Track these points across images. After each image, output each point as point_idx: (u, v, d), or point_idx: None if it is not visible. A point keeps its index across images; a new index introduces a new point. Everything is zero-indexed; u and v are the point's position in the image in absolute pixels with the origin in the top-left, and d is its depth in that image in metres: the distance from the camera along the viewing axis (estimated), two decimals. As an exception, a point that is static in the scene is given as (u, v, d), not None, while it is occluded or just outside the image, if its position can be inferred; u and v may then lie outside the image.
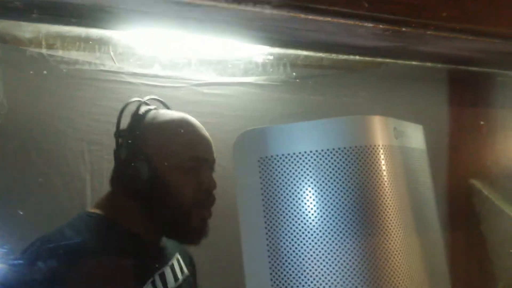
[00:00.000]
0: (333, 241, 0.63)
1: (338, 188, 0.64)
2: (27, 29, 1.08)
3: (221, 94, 1.45)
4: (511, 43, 1.07)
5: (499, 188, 1.68)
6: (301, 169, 0.65)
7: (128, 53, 1.27)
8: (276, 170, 0.66)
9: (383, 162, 0.65)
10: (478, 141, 1.70)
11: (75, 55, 1.19)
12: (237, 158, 0.69)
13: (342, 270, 0.62)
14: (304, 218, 0.64)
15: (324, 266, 0.63)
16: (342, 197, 0.63)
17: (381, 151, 0.66)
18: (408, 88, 1.54)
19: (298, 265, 0.64)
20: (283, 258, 0.65)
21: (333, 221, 0.63)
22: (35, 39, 1.13)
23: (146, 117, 1.01)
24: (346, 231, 0.63)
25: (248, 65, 1.42)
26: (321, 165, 0.64)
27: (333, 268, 0.62)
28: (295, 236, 0.64)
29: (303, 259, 0.64)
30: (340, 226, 0.63)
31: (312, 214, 0.64)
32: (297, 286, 0.63)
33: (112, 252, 0.94)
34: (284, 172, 0.66)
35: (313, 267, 0.63)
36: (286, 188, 0.65)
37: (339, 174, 0.64)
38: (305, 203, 0.64)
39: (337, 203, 0.63)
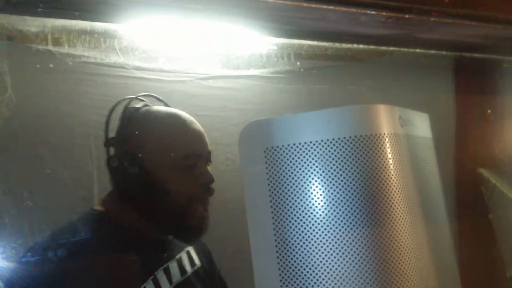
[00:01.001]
0: (340, 231, 0.63)
1: (344, 178, 0.64)
2: (33, 24, 1.08)
3: (226, 87, 1.45)
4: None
5: (507, 177, 1.67)
6: (307, 159, 0.65)
7: (133, 46, 1.27)
8: (282, 160, 0.66)
9: (389, 150, 0.65)
10: (485, 129, 1.69)
11: (81, 49, 1.20)
12: (243, 150, 0.69)
13: (350, 260, 0.62)
14: (311, 208, 0.64)
15: (331, 255, 0.63)
16: (348, 186, 0.63)
17: (387, 139, 0.66)
18: (413, 76, 1.53)
19: (305, 255, 0.64)
20: (290, 248, 0.65)
21: (340, 210, 0.63)
22: (41, 33, 1.14)
23: (137, 116, 1.00)
24: (353, 221, 0.63)
25: (252, 57, 1.42)
26: (326, 154, 0.64)
27: (340, 257, 0.63)
28: (302, 226, 0.64)
29: (310, 248, 0.64)
30: (346, 215, 0.63)
31: (319, 204, 0.64)
32: (305, 276, 0.64)
33: (114, 249, 0.94)
34: (290, 162, 0.66)
35: (320, 256, 0.63)
36: (293, 178, 0.65)
37: (345, 163, 0.64)
38: (312, 193, 0.64)
39: (343, 192, 0.63)
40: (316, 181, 0.64)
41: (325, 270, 0.63)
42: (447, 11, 0.94)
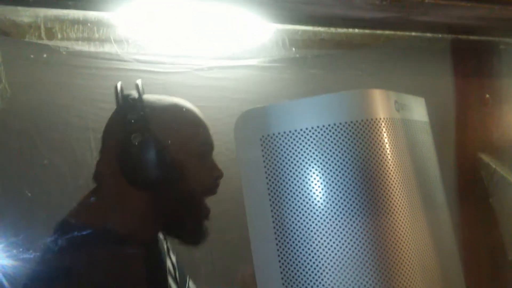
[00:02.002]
0: (337, 218, 0.63)
1: (340, 164, 0.64)
2: (25, 14, 1.07)
3: (223, 77, 1.45)
4: (511, 9, 1.05)
5: (507, 161, 1.67)
6: (303, 146, 0.65)
7: (127, 36, 1.26)
8: (278, 148, 0.66)
9: (385, 135, 0.65)
10: (484, 113, 1.68)
11: (74, 39, 1.19)
12: (239, 138, 0.69)
13: (348, 246, 0.62)
14: (308, 195, 0.64)
15: (330, 242, 0.63)
16: (345, 172, 0.63)
17: (383, 124, 0.66)
18: (410, 61, 1.52)
19: (304, 242, 0.64)
20: (289, 235, 0.65)
21: (337, 196, 0.63)
22: (33, 23, 1.13)
23: (143, 105, 0.96)
24: (350, 207, 0.63)
25: (247, 46, 1.42)
26: (322, 141, 0.64)
27: (339, 244, 0.63)
28: (300, 213, 0.65)
29: (308, 235, 0.64)
30: (344, 202, 0.63)
31: (316, 190, 0.64)
32: (304, 262, 0.64)
33: (119, 272, 0.90)
34: (286, 149, 0.66)
35: (318, 243, 0.63)
36: (290, 166, 0.65)
37: (341, 149, 0.64)
38: (309, 180, 0.64)
39: (340, 178, 0.63)
40: (313, 168, 0.64)
41: (324, 257, 0.63)
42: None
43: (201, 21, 1.24)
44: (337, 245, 0.63)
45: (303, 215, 0.64)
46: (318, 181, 0.64)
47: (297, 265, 0.64)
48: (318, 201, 0.64)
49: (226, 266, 1.27)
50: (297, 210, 0.65)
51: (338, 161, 0.64)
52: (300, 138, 0.65)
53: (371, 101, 0.66)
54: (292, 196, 0.65)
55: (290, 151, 0.65)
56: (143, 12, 1.00)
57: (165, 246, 1.04)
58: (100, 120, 1.27)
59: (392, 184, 0.64)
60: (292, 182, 0.65)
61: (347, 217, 0.63)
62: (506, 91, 1.70)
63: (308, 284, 0.63)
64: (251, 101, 1.42)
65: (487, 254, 1.65)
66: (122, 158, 0.94)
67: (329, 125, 0.64)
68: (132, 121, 0.93)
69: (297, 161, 0.65)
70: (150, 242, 0.99)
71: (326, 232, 0.63)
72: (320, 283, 0.63)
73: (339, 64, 1.50)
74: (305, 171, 0.65)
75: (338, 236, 0.63)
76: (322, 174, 0.64)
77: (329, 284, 0.62)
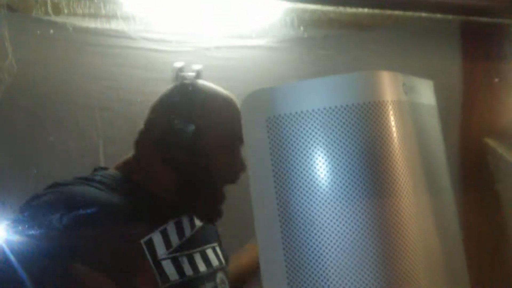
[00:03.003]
0: (342, 200, 0.63)
1: (346, 146, 0.63)
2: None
3: (231, 57, 1.44)
4: None
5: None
6: (309, 128, 0.64)
7: (134, 14, 1.26)
8: (284, 129, 0.66)
9: (392, 118, 0.65)
10: (492, 97, 1.67)
11: (81, 16, 1.18)
12: (245, 119, 0.69)
13: (352, 230, 0.62)
14: (313, 177, 0.64)
15: (334, 225, 0.63)
16: (351, 154, 0.63)
17: (390, 106, 0.65)
18: (419, 43, 1.51)
19: (308, 225, 0.64)
20: (293, 218, 0.65)
21: (342, 179, 0.63)
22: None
23: (194, 87, 1.01)
24: (355, 190, 0.63)
25: (256, 25, 1.40)
26: (329, 122, 0.64)
27: (343, 227, 0.63)
28: (305, 195, 0.64)
29: (313, 217, 0.64)
30: (349, 184, 0.63)
31: (322, 172, 0.64)
32: (308, 245, 0.64)
33: (122, 199, 0.94)
34: (292, 131, 0.65)
35: (322, 225, 0.63)
36: (295, 147, 0.65)
37: (348, 131, 0.63)
38: (314, 162, 0.64)
39: (346, 160, 0.63)
40: (318, 149, 0.64)
41: (327, 239, 0.63)
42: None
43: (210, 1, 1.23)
44: (341, 227, 0.63)
45: (307, 197, 0.64)
46: (323, 163, 0.64)
47: (300, 246, 0.64)
48: (323, 183, 0.64)
49: (230, 244, 1.28)
50: (302, 192, 0.65)
51: (344, 143, 0.63)
52: (306, 120, 0.65)
53: (379, 83, 0.66)
54: (297, 178, 0.65)
55: (296, 133, 0.65)
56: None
57: None
58: (106, 98, 1.27)
59: (397, 168, 0.64)
60: (297, 163, 0.65)
61: (352, 200, 0.63)
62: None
63: (312, 266, 0.63)
64: (258, 82, 1.41)
65: (491, 240, 1.65)
66: (160, 137, 0.99)
67: (336, 107, 0.64)
68: (180, 105, 0.99)
69: (303, 143, 0.65)
70: (163, 199, 1.02)
71: (330, 214, 0.63)
72: (323, 265, 0.63)
73: (347, 45, 1.49)
74: (310, 153, 0.64)
75: (343, 218, 0.63)
76: (328, 156, 0.64)
77: (332, 267, 0.63)
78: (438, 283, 0.68)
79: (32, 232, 0.86)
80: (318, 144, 0.64)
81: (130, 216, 0.94)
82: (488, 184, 1.67)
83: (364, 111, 0.64)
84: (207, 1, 1.24)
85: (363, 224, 0.62)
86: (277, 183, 0.66)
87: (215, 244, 1.10)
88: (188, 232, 1.03)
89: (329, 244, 0.63)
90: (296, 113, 0.65)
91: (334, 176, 0.63)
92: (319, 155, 0.64)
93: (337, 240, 0.63)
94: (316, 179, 0.64)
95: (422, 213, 0.66)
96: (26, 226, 0.86)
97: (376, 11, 1.15)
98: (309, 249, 0.64)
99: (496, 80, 1.66)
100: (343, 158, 0.63)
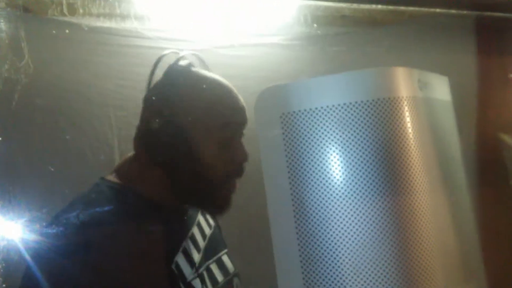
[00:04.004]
0: (357, 197, 0.63)
1: (361, 142, 0.63)
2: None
3: (243, 55, 1.44)
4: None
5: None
6: (324, 124, 0.64)
7: (148, 13, 1.26)
8: (298, 126, 0.66)
9: (407, 114, 0.64)
10: (507, 93, 1.65)
11: (96, 15, 1.19)
12: (259, 116, 0.69)
13: (367, 227, 0.62)
14: (328, 173, 0.64)
15: (349, 222, 0.63)
16: (366, 151, 0.63)
17: (405, 102, 0.65)
18: (433, 38, 1.50)
19: (323, 222, 0.64)
20: (308, 214, 0.65)
21: (357, 175, 0.63)
22: None
23: (180, 77, 0.94)
24: (370, 186, 0.62)
25: (269, 24, 1.40)
26: (343, 119, 0.64)
27: (358, 224, 0.62)
28: (319, 191, 0.64)
29: (328, 214, 0.64)
30: (364, 181, 0.63)
31: (336, 169, 0.64)
32: (322, 241, 0.64)
33: (139, 223, 0.90)
34: (307, 127, 0.65)
35: (337, 222, 0.63)
36: (309, 144, 0.65)
37: (362, 127, 0.63)
38: (329, 158, 0.64)
39: (360, 156, 0.63)
40: (333, 146, 0.64)
41: (342, 236, 0.63)
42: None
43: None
44: (356, 224, 0.63)
45: (322, 193, 0.64)
46: (338, 159, 0.64)
47: (315, 243, 0.64)
48: (338, 180, 0.64)
49: (243, 244, 1.28)
50: (316, 188, 0.65)
51: (359, 139, 0.63)
52: (320, 116, 0.65)
53: (394, 79, 0.65)
54: (311, 175, 0.65)
55: (311, 129, 0.65)
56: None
57: (198, 218, 1.04)
58: (120, 97, 1.28)
59: (413, 164, 0.64)
60: (312, 160, 0.65)
61: (366, 196, 0.63)
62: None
63: (326, 262, 0.63)
64: (272, 80, 1.41)
65: (506, 237, 1.63)
66: (144, 137, 0.94)
67: (350, 103, 0.64)
68: (156, 99, 0.93)
69: (317, 139, 0.65)
70: (174, 210, 0.98)
71: (345, 211, 0.63)
72: (338, 261, 0.63)
73: (361, 42, 1.48)
74: (325, 150, 0.64)
75: (358, 215, 0.63)
76: (343, 153, 0.64)
77: (347, 263, 0.62)
78: (454, 279, 0.68)
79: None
80: (332, 140, 0.64)
81: (150, 243, 0.89)
82: (504, 180, 1.65)
83: (379, 107, 0.63)
84: (220, 0, 1.24)
85: (379, 221, 0.62)
86: (292, 180, 0.66)
87: (226, 250, 1.07)
88: (202, 244, 0.99)
89: (344, 241, 0.63)
90: (311, 109, 0.65)
91: (349, 173, 0.63)
92: (333, 152, 0.64)
93: (352, 238, 0.63)
94: (331, 175, 0.64)
95: (438, 210, 0.66)
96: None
97: (390, 7, 1.14)
98: (324, 246, 0.64)
99: (511, 75, 1.64)
100: (358, 155, 0.63)
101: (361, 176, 0.63)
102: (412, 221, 0.62)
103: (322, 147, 0.65)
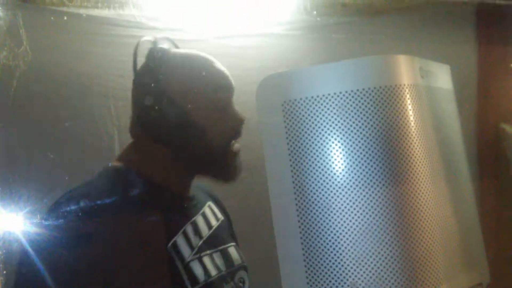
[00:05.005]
0: (358, 185, 0.63)
1: (363, 130, 0.63)
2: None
3: (244, 46, 1.44)
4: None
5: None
6: (325, 112, 0.64)
7: (148, 3, 1.25)
8: (300, 113, 0.66)
9: (409, 101, 0.64)
10: (508, 82, 1.65)
11: (94, 2, 1.18)
12: (261, 103, 0.69)
13: (369, 215, 0.62)
14: (329, 161, 0.64)
15: (351, 210, 0.63)
16: (367, 139, 0.63)
17: (407, 90, 0.65)
18: (433, 26, 1.49)
19: (325, 209, 0.64)
20: (310, 203, 0.65)
21: (359, 163, 0.63)
22: None
23: (163, 57, 0.98)
24: (372, 174, 0.62)
25: (269, 13, 1.39)
26: (345, 107, 0.64)
27: (360, 212, 0.63)
28: (321, 179, 0.64)
29: (329, 203, 0.64)
30: (366, 169, 0.63)
31: (338, 157, 0.64)
32: (324, 229, 0.64)
33: (142, 206, 0.94)
34: (308, 115, 0.65)
35: (339, 210, 0.63)
36: (311, 132, 0.65)
37: (364, 115, 0.63)
38: (330, 146, 0.64)
39: (362, 144, 0.63)
40: (334, 134, 0.64)
41: (344, 224, 0.63)
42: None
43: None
44: (357, 212, 0.63)
45: (324, 181, 0.64)
46: (339, 147, 0.64)
47: (317, 231, 0.64)
48: (340, 168, 0.64)
49: (244, 232, 1.28)
50: (318, 176, 0.65)
51: (360, 127, 0.63)
52: (322, 104, 0.64)
53: (395, 67, 0.65)
54: (313, 162, 0.65)
55: (312, 117, 0.65)
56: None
57: (204, 209, 1.07)
58: (119, 87, 1.27)
59: (414, 153, 0.64)
60: (314, 148, 0.65)
61: (368, 184, 0.62)
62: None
63: (328, 250, 0.64)
64: (272, 69, 1.40)
65: (508, 228, 1.64)
66: (140, 119, 0.98)
67: (352, 91, 0.63)
68: (146, 81, 0.96)
69: (319, 127, 0.65)
70: (177, 194, 1.01)
71: (347, 199, 0.63)
72: (340, 250, 0.63)
73: (361, 30, 1.47)
74: (326, 137, 0.64)
75: (359, 203, 0.63)
76: (344, 141, 0.63)
77: (348, 251, 0.63)
78: (456, 268, 0.68)
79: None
80: (334, 128, 0.64)
81: (151, 221, 0.93)
82: (505, 170, 1.65)
83: (380, 95, 0.63)
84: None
85: (380, 210, 0.62)
86: (294, 168, 0.66)
87: (233, 243, 1.09)
88: (205, 232, 1.01)
89: (346, 229, 0.63)
90: (312, 97, 0.65)
91: (350, 161, 0.63)
92: (335, 140, 0.64)
93: (354, 226, 0.63)
94: (333, 163, 0.64)
95: (439, 199, 0.66)
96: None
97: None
98: (325, 234, 0.64)
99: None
100: (359, 142, 0.63)
101: (362, 164, 0.63)
102: (413, 210, 0.62)
103: (323, 135, 0.64)
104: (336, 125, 0.64)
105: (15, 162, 1.16)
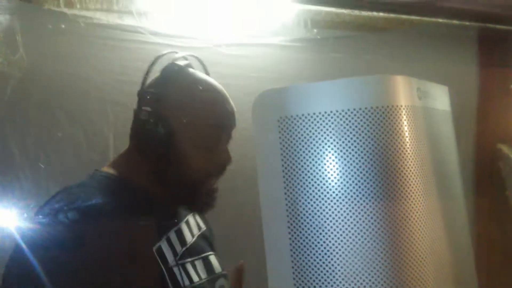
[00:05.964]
0: (352, 203, 0.62)
1: (358, 149, 0.63)
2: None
3: (242, 55, 1.44)
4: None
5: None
6: (321, 130, 0.64)
7: (147, 10, 1.25)
8: (295, 130, 0.65)
9: (405, 123, 0.64)
10: (507, 104, 1.66)
11: (93, 10, 1.18)
12: (256, 118, 0.69)
13: (361, 233, 0.62)
14: (323, 178, 0.64)
15: (343, 227, 0.63)
16: (362, 158, 0.62)
17: (404, 111, 0.64)
18: (434, 47, 1.49)
19: (317, 226, 0.64)
20: (302, 218, 0.65)
21: (353, 182, 0.63)
22: None
23: (176, 77, 0.97)
24: (366, 193, 0.62)
25: (269, 24, 1.40)
26: (341, 125, 0.63)
27: (352, 230, 0.62)
28: (314, 197, 0.64)
29: (321, 219, 0.64)
30: (360, 188, 0.62)
31: (332, 175, 0.63)
32: (315, 246, 0.64)
33: (128, 211, 0.93)
34: (304, 132, 0.65)
35: (331, 227, 0.63)
36: (306, 149, 0.65)
37: (360, 135, 0.63)
38: (325, 164, 0.64)
39: (357, 164, 0.63)
40: (330, 152, 0.64)
41: (335, 241, 0.63)
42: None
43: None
44: (349, 229, 0.62)
45: (316, 199, 0.64)
46: (334, 165, 0.63)
47: (308, 247, 0.64)
48: (333, 186, 0.63)
49: (239, 240, 1.28)
50: (311, 192, 0.64)
51: (355, 146, 0.63)
52: (318, 122, 0.64)
53: (393, 87, 0.65)
54: (307, 179, 0.65)
55: (308, 134, 0.65)
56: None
57: (188, 218, 1.07)
58: (118, 92, 1.27)
59: (408, 172, 0.63)
60: (308, 164, 0.65)
61: (361, 203, 0.62)
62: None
63: (319, 267, 0.63)
64: (269, 80, 1.41)
65: (500, 247, 1.64)
66: (136, 129, 0.98)
67: (349, 110, 0.63)
68: (160, 95, 0.95)
69: (314, 144, 0.64)
70: (163, 203, 1.00)
71: (339, 216, 0.63)
72: (330, 266, 0.63)
73: (360, 47, 1.47)
74: (321, 155, 0.64)
75: (352, 221, 0.62)
76: (339, 159, 0.63)
77: (339, 268, 0.62)
78: (446, 287, 0.67)
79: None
80: (329, 147, 0.64)
81: (136, 227, 0.93)
82: (499, 190, 1.66)
83: (377, 115, 0.63)
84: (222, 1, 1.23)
85: (372, 227, 0.62)
86: (287, 183, 0.66)
87: (213, 252, 1.09)
88: (189, 239, 1.02)
89: (337, 246, 0.63)
90: (309, 114, 0.65)
91: (344, 179, 0.63)
92: (330, 157, 0.64)
93: (345, 242, 0.62)
94: (326, 181, 0.64)
95: (432, 218, 0.66)
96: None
97: (391, 15, 1.13)
98: (316, 250, 0.64)
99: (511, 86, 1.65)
100: (354, 161, 0.63)
101: (357, 183, 0.62)
102: (405, 228, 0.62)
103: (318, 153, 0.64)
104: (332, 143, 0.64)
105: (10, 163, 1.15)
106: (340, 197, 0.63)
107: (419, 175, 0.64)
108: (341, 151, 0.63)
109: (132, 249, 0.90)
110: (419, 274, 0.62)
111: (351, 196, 0.62)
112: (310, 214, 0.64)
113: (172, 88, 0.96)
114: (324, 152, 0.64)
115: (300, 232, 0.64)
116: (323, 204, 0.63)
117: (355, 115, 0.63)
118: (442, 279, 0.67)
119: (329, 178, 0.63)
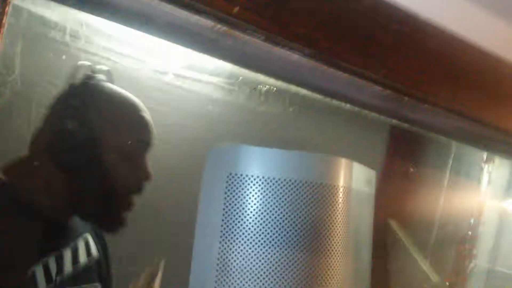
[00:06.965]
0: (280, 255, 0.67)
1: (296, 215, 0.68)
2: (56, 9, 1.05)
3: (185, 87, 1.44)
4: (493, 130, 1.14)
5: (412, 234, 1.81)
6: (266, 192, 0.68)
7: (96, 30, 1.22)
8: (241, 188, 0.68)
9: (340, 200, 0.71)
10: (405, 185, 1.82)
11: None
12: (207, 172, 0.71)
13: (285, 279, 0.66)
14: (260, 237, 0.67)
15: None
16: (297, 221, 0.67)
17: (341, 190, 0.71)
18: (351, 127, 1.65)
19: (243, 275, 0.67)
20: (231, 273, 0.67)
21: (285, 237, 0.67)
22: (60, 22, 1.11)
23: (96, 86, 0.96)
24: (294, 248, 0.67)
25: (218, 64, 1.42)
26: (288, 191, 0.68)
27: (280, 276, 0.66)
28: (245, 249, 0.67)
29: (249, 270, 0.67)
30: (289, 242, 0.67)
31: (268, 233, 0.67)
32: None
33: (9, 224, 0.87)
34: (250, 192, 0.68)
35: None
36: (248, 208, 0.68)
37: (300, 202, 0.68)
38: (264, 222, 0.67)
39: (291, 225, 0.67)
40: (270, 212, 0.67)
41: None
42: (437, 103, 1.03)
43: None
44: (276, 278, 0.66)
45: (248, 251, 0.67)
46: (272, 226, 0.67)
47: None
48: (270, 242, 0.67)
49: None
50: (243, 246, 0.67)
51: (294, 212, 0.67)
52: (266, 185, 0.68)
53: (336, 168, 0.72)
54: (242, 234, 0.68)
55: (253, 195, 0.68)
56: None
57: (77, 244, 1.02)
58: (48, 95, 1.22)
59: (336, 237, 0.70)
60: (247, 221, 0.68)
61: (290, 255, 0.67)
62: (429, 177, 1.86)
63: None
64: (197, 116, 1.41)
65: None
66: (50, 137, 0.93)
67: (296, 181, 0.68)
68: (69, 106, 0.93)
69: (257, 205, 0.68)
70: (58, 219, 0.96)
71: (266, 269, 0.67)
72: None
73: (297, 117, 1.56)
74: (262, 214, 0.67)
75: (279, 270, 0.67)
76: (278, 221, 0.67)
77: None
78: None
79: None
80: (271, 207, 0.68)
81: (12, 243, 0.86)
82: (389, 254, 1.80)
83: (319, 190, 0.69)
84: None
85: (296, 274, 0.67)
86: (223, 238, 0.68)
87: (98, 284, 1.05)
88: (68, 268, 0.96)
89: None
90: (258, 176, 0.68)
91: (277, 236, 0.67)
92: (270, 218, 0.67)
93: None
94: (262, 238, 0.67)
95: (346, 272, 0.72)
96: None
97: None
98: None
99: (411, 169, 1.82)
100: (291, 225, 0.67)
101: (287, 238, 0.67)
102: (325, 276, 0.69)
103: (260, 212, 0.68)
104: (274, 207, 0.67)
105: None
106: (270, 252, 0.67)
107: (342, 239, 0.71)
108: (280, 214, 0.67)
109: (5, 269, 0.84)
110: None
111: (282, 250, 0.67)
112: (238, 264, 0.67)
113: (91, 100, 0.94)
114: (265, 211, 0.67)
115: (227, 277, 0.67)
116: (254, 260, 0.67)
117: (301, 186, 0.68)
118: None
119: (266, 235, 0.67)
